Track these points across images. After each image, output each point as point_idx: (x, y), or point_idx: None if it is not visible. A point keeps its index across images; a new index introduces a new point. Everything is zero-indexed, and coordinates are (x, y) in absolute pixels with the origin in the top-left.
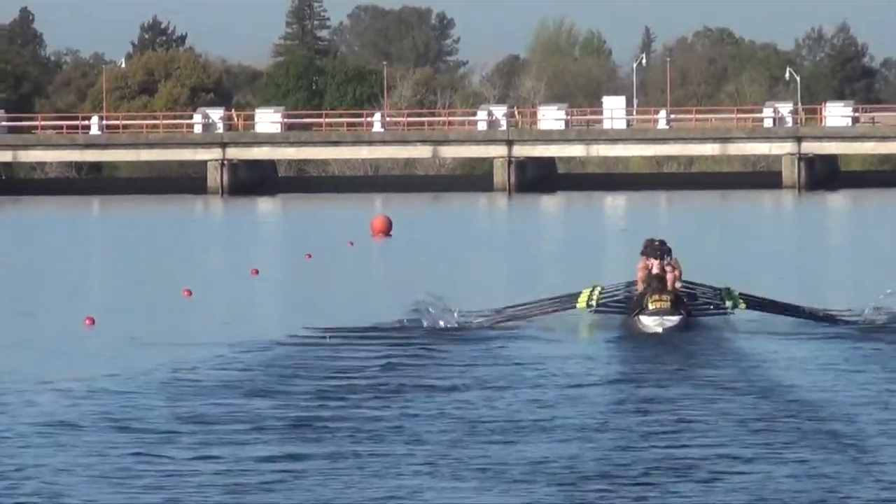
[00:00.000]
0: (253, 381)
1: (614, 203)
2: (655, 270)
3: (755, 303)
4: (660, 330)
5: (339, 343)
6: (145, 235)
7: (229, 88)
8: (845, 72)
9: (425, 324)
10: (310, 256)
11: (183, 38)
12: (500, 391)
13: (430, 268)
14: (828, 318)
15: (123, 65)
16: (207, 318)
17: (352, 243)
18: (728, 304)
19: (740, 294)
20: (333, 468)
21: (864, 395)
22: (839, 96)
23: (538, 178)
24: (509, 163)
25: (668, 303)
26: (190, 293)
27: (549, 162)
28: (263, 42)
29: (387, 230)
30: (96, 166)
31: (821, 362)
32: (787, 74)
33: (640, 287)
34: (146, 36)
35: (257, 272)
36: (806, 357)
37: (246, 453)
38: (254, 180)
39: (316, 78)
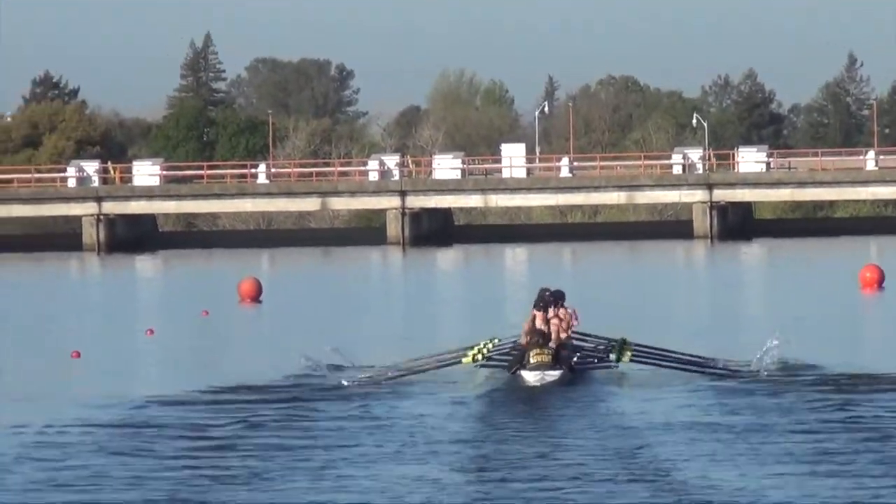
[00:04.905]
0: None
1: (514, 255)
2: (539, 323)
3: (643, 356)
4: (538, 385)
5: (201, 404)
6: None
7: (123, 142)
8: (753, 118)
9: (309, 380)
10: (152, 332)
11: (76, 92)
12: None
13: (303, 334)
14: (716, 371)
15: (10, 119)
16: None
17: (207, 312)
18: (612, 356)
19: (636, 346)
20: None
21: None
22: (747, 143)
23: (434, 230)
24: (403, 214)
25: (549, 356)
26: None
27: (446, 213)
28: (158, 95)
29: (255, 295)
30: None
31: (686, 419)
32: (695, 121)
33: (523, 340)
34: (37, 90)
35: (78, 355)
36: (674, 413)
37: None
38: (132, 236)
39: (207, 129)
